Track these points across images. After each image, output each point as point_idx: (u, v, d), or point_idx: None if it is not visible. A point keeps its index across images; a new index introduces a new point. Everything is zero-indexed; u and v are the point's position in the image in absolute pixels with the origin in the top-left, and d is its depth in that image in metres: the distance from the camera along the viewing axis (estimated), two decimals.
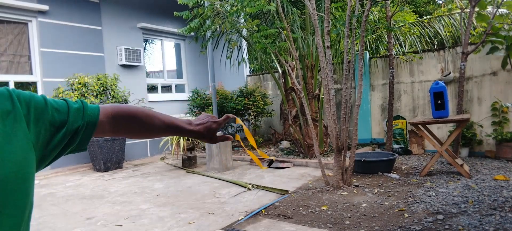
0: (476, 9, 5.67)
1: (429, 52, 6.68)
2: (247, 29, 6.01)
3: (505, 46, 5.31)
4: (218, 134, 1.15)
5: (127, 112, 0.93)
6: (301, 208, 3.74)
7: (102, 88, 6.24)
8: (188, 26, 5.82)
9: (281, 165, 5.84)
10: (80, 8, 6.75)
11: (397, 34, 7.17)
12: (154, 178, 5.64)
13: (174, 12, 5.80)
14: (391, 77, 6.54)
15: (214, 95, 6.32)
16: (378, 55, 7.39)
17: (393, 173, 5.05)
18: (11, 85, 6.04)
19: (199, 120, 1.08)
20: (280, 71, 7.30)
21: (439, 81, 4.83)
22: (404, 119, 6.80)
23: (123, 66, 7.44)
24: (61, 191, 5.03)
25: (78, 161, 6.64)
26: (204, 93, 8.26)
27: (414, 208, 3.55)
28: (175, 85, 8.95)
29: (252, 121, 8.28)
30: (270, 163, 5.53)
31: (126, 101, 6.72)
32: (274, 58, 7.11)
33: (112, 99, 6.35)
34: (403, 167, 5.49)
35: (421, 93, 6.78)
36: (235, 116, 1.17)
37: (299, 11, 6.52)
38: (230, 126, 8.33)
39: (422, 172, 4.83)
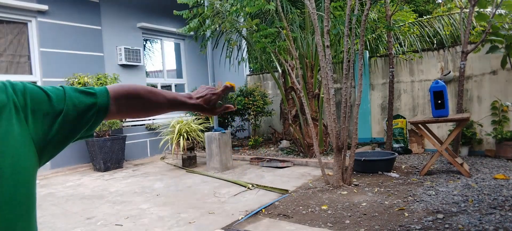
0: (476, 8, 5.67)
1: (429, 52, 6.68)
2: (246, 28, 6.01)
3: (505, 45, 5.31)
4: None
5: (130, 91, 0.92)
6: (301, 208, 3.74)
7: None
8: (187, 25, 5.82)
9: (281, 164, 5.84)
10: (79, 8, 6.75)
11: (397, 34, 7.17)
12: (154, 177, 5.64)
13: (174, 11, 5.80)
14: (391, 77, 6.54)
15: None
16: (378, 54, 7.39)
17: (393, 172, 5.06)
18: None
19: (198, 93, 1.08)
20: (280, 70, 7.30)
21: (439, 80, 4.83)
22: (404, 118, 6.80)
23: (123, 66, 7.44)
24: (61, 191, 5.03)
25: (78, 161, 6.64)
26: None
27: (414, 207, 3.55)
28: (175, 85, 8.94)
29: (252, 120, 8.28)
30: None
31: None
32: (273, 57, 7.11)
33: None
34: (403, 166, 5.49)
35: (421, 93, 6.78)
36: (233, 84, 1.17)
37: (298, 11, 6.52)
38: (230, 126, 8.33)
39: (422, 171, 4.83)
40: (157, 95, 0.97)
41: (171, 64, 9.14)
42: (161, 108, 1.00)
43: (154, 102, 0.97)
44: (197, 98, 1.06)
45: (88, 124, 0.80)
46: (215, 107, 1.11)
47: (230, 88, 1.14)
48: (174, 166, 6.57)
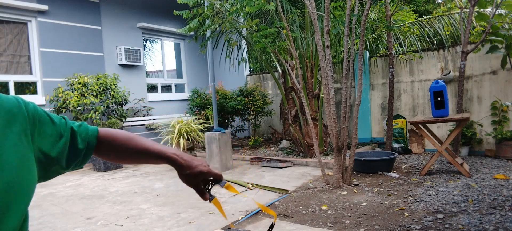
0: (476, 8, 5.67)
1: (429, 52, 6.68)
2: (246, 28, 6.01)
3: (505, 45, 5.31)
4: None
5: (117, 138, 0.95)
6: (301, 208, 3.74)
7: (101, 88, 6.23)
8: (187, 25, 5.82)
9: (281, 164, 5.84)
10: (79, 8, 6.75)
11: (397, 34, 7.17)
12: (154, 177, 5.64)
13: (174, 11, 5.80)
14: (391, 77, 6.54)
15: (214, 95, 6.32)
16: (378, 54, 7.39)
17: (393, 172, 5.06)
18: (11, 85, 6.04)
19: (191, 158, 0.98)
20: (279, 70, 7.30)
21: (439, 80, 4.83)
22: (404, 118, 6.80)
23: (123, 66, 7.44)
24: (61, 190, 5.03)
25: None
26: (204, 93, 8.26)
27: (414, 207, 3.55)
28: (175, 85, 8.95)
29: (252, 120, 8.27)
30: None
31: (126, 101, 6.72)
32: (273, 57, 7.11)
33: (111, 99, 6.35)
34: (403, 166, 5.49)
35: (421, 93, 6.78)
36: (226, 181, 1.06)
37: (298, 11, 6.52)
38: (230, 126, 8.32)
39: (422, 171, 4.83)
40: (138, 145, 0.95)
41: (171, 64, 9.14)
42: (146, 158, 0.96)
43: (136, 152, 0.95)
44: (185, 159, 0.96)
45: (79, 159, 0.87)
46: (196, 180, 0.97)
47: (219, 176, 1.02)
48: None
